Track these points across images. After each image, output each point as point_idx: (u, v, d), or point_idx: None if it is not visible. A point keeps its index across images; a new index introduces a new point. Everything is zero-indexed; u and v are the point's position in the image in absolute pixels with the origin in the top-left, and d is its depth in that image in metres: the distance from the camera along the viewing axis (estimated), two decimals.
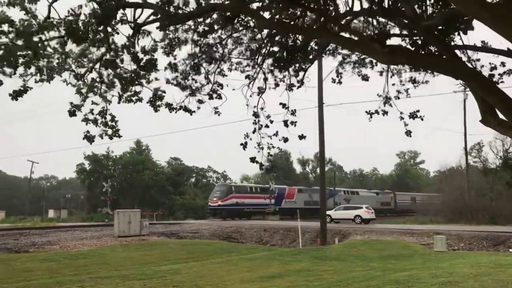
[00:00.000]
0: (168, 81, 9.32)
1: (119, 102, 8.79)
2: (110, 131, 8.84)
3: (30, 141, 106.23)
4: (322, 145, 26.83)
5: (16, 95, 7.63)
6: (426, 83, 9.38)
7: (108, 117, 8.81)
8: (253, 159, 9.24)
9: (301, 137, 9.45)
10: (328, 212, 33.78)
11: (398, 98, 9.64)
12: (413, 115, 9.33)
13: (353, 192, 69.02)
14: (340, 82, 10.17)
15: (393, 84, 9.62)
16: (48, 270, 16.25)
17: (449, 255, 18.58)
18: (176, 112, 9.37)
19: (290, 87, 9.90)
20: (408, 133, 9.48)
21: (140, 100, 8.85)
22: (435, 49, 7.54)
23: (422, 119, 9.33)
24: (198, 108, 9.58)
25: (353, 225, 34.32)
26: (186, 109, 9.43)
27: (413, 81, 9.39)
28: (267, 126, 9.53)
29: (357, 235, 27.66)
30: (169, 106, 9.24)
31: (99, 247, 24.17)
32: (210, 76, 9.58)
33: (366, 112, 9.90)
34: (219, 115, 9.73)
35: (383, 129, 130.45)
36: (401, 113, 9.38)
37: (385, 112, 9.72)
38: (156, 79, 8.96)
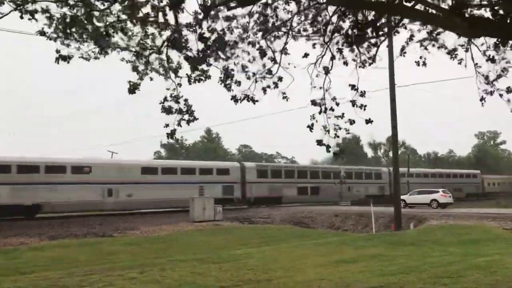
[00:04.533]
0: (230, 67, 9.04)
1: (189, 83, 8.70)
2: (186, 117, 8.77)
3: (109, 131, 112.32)
4: (394, 127, 26.00)
5: (133, 88, 8.29)
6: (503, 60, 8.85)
7: (182, 103, 8.72)
8: (319, 142, 8.67)
9: (368, 121, 8.83)
10: (402, 197, 32.73)
11: (500, 76, 9.15)
12: (510, 90, 8.79)
13: None
14: (424, 64, 9.71)
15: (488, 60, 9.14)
16: (131, 253, 17.26)
17: None
18: (241, 102, 9.08)
19: (363, 63, 9.51)
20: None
21: (209, 77, 8.70)
22: None
23: None
24: (264, 93, 9.25)
25: (429, 210, 33.12)
26: (250, 99, 9.09)
27: (492, 60, 8.84)
28: (332, 109, 9.02)
29: (433, 220, 26.70)
30: (233, 98, 9.00)
31: (177, 231, 25.23)
32: (275, 54, 9.19)
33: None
34: (287, 100, 9.31)
35: (459, 110, 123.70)
36: (497, 89, 9.08)
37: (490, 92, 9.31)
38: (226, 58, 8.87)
